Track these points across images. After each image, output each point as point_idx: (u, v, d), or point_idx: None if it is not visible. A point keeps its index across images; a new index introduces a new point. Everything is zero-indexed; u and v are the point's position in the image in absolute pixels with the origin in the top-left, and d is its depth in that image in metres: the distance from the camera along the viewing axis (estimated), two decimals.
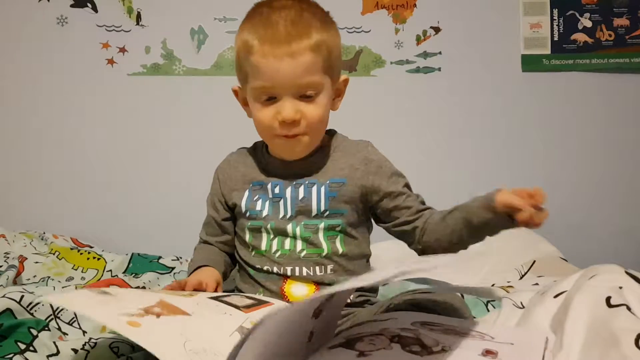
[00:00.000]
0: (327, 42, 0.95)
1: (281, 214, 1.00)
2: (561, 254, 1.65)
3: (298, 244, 0.99)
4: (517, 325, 0.91)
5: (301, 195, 0.99)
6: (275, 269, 0.99)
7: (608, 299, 0.79)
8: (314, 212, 0.99)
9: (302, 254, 0.99)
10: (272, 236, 1.00)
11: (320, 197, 0.99)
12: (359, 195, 1.00)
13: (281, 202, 1.00)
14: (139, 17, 1.96)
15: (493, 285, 1.43)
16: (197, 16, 1.97)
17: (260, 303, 0.89)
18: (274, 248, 1.00)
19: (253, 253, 1.02)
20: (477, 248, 1.71)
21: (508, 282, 1.46)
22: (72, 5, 1.94)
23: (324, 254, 0.99)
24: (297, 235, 0.99)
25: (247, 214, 1.02)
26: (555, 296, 0.88)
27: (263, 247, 1.01)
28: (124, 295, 0.81)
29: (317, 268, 0.98)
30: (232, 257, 1.10)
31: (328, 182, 0.99)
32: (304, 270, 0.98)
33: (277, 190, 1.00)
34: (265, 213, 1.01)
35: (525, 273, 1.53)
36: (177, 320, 0.75)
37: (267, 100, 0.95)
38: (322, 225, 0.99)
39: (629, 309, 0.77)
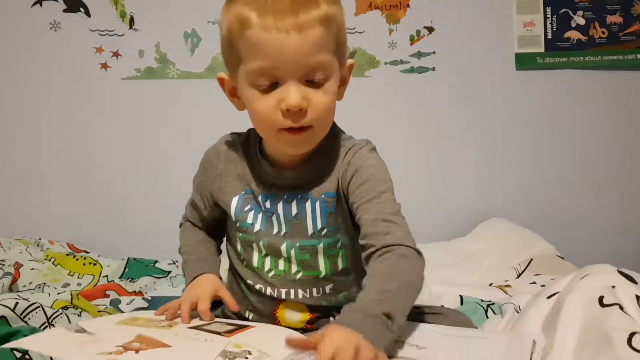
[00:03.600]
0: (337, 17, 0.82)
1: (275, 230, 0.90)
2: (558, 251, 1.65)
3: (293, 266, 0.90)
4: (510, 326, 0.92)
5: (294, 211, 0.88)
6: (268, 291, 0.92)
7: (601, 299, 0.79)
8: (310, 230, 0.88)
9: (298, 276, 0.91)
10: (264, 253, 0.91)
11: (316, 214, 0.88)
12: (348, 205, 0.88)
13: (274, 217, 0.89)
14: (132, 21, 1.96)
15: (490, 284, 1.43)
16: (191, 19, 1.97)
17: (241, 327, 0.86)
18: (267, 267, 0.91)
19: (245, 263, 0.94)
20: (473, 247, 1.74)
21: (505, 280, 1.46)
22: (65, 10, 1.94)
23: (321, 275, 0.90)
24: (292, 258, 0.90)
25: (238, 225, 0.92)
26: (549, 297, 0.88)
27: (255, 263, 0.92)
28: (102, 333, 0.80)
29: (314, 290, 0.91)
30: (218, 234, 1.03)
31: (323, 196, 0.87)
32: (300, 292, 0.91)
33: (267, 204, 0.89)
34: (257, 227, 0.90)
35: (523, 271, 1.53)
36: (157, 353, 0.74)
37: (267, 88, 0.80)
38: (321, 246, 0.89)
39: (621, 308, 0.77)
